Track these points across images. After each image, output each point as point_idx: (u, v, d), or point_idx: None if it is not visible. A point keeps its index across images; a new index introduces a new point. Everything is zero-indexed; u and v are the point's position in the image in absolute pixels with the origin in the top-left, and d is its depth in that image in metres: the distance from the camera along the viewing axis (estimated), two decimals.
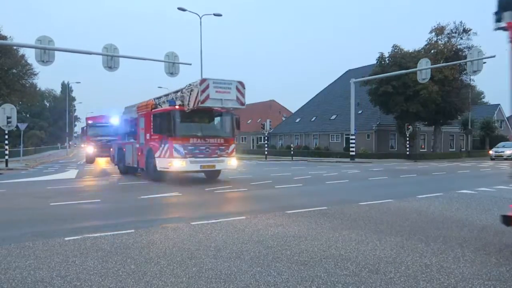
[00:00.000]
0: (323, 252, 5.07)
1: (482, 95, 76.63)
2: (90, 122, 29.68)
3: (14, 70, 37.78)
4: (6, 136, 23.37)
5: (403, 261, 4.67)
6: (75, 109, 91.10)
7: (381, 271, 4.32)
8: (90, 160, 28.71)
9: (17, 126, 25.53)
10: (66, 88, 77.96)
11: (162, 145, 12.97)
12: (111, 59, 19.28)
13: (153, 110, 14.49)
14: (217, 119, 14.00)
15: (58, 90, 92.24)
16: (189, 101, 12.56)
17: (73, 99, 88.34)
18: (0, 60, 34.04)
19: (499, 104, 59.43)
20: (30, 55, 36.25)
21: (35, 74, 40.89)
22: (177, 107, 13.13)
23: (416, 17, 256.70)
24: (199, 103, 12.12)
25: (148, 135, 14.41)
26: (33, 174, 19.24)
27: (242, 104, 13.01)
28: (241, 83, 12.97)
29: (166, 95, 15.07)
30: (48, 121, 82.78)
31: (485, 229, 6.39)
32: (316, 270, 4.34)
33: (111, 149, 20.75)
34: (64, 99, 74.75)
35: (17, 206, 9.30)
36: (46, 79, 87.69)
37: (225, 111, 13.70)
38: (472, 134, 47.30)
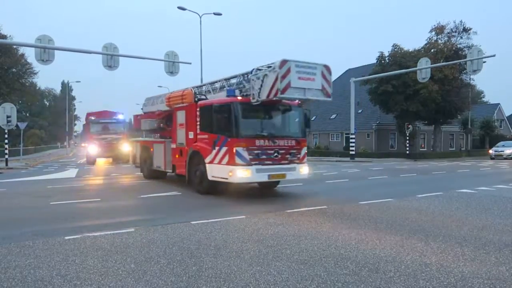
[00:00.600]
0: (323, 251, 5.07)
1: (482, 94, 76.64)
2: (92, 118, 26.92)
3: (14, 69, 37.82)
4: (6, 135, 23.39)
5: (403, 260, 4.68)
6: (75, 108, 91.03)
7: (381, 270, 4.33)
8: (92, 161, 26.15)
9: (17, 125, 25.49)
10: (66, 87, 77.95)
11: (217, 148, 10.09)
12: (111, 58, 19.28)
13: (199, 102, 11.35)
14: (285, 115, 11.02)
15: (58, 89, 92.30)
16: (260, 90, 9.72)
17: (73, 98, 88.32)
18: (0, 59, 34.05)
19: (499, 104, 59.47)
20: (30, 54, 36.32)
21: (35, 73, 40.95)
22: (239, 98, 10.31)
23: (416, 17, 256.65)
24: (278, 93, 9.20)
25: (191, 133, 11.51)
26: (33, 173, 19.24)
27: (329, 95, 10.14)
28: (327, 67, 10.04)
29: (211, 83, 12.44)
30: (48, 120, 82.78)
31: (485, 228, 6.40)
32: (316, 269, 4.35)
33: (131, 148, 17.90)
34: (64, 98, 74.74)
35: (17, 205, 9.31)
36: (46, 78, 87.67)
37: (295, 104, 10.86)
38: (472, 134, 47.32)
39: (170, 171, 13.20)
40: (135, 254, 4.95)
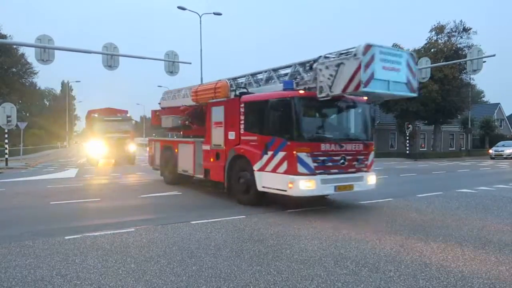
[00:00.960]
0: (323, 251, 5.08)
1: (482, 94, 76.71)
2: (95, 115, 25.02)
3: (14, 69, 37.89)
4: (6, 135, 23.40)
5: (403, 260, 4.68)
6: (75, 108, 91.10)
7: (381, 270, 4.33)
8: (94, 162, 24.30)
9: (17, 125, 25.48)
10: (66, 87, 78.01)
11: (270, 152, 8.31)
12: (111, 58, 19.24)
13: (244, 96, 9.54)
14: (352, 113, 9.21)
15: (58, 89, 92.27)
16: (332, 82, 7.78)
17: (73, 98, 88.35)
18: (0, 59, 34.08)
19: (499, 103, 59.46)
20: (30, 54, 36.33)
21: (35, 73, 41.03)
22: (301, 91, 8.36)
23: (416, 17, 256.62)
24: (361, 86, 7.23)
25: (232, 133, 9.66)
26: (33, 173, 19.23)
27: (413, 90, 8.26)
28: (413, 56, 8.30)
29: (253, 74, 10.55)
30: (48, 120, 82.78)
31: (485, 228, 6.41)
32: (316, 269, 4.35)
33: (149, 149, 15.98)
34: (64, 98, 74.81)
35: (17, 205, 9.31)
36: (46, 78, 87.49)
37: (363, 101, 8.96)
38: (472, 133, 47.31)
39: (201, 176, 11.20)
40: (135, 254, 4.95)
